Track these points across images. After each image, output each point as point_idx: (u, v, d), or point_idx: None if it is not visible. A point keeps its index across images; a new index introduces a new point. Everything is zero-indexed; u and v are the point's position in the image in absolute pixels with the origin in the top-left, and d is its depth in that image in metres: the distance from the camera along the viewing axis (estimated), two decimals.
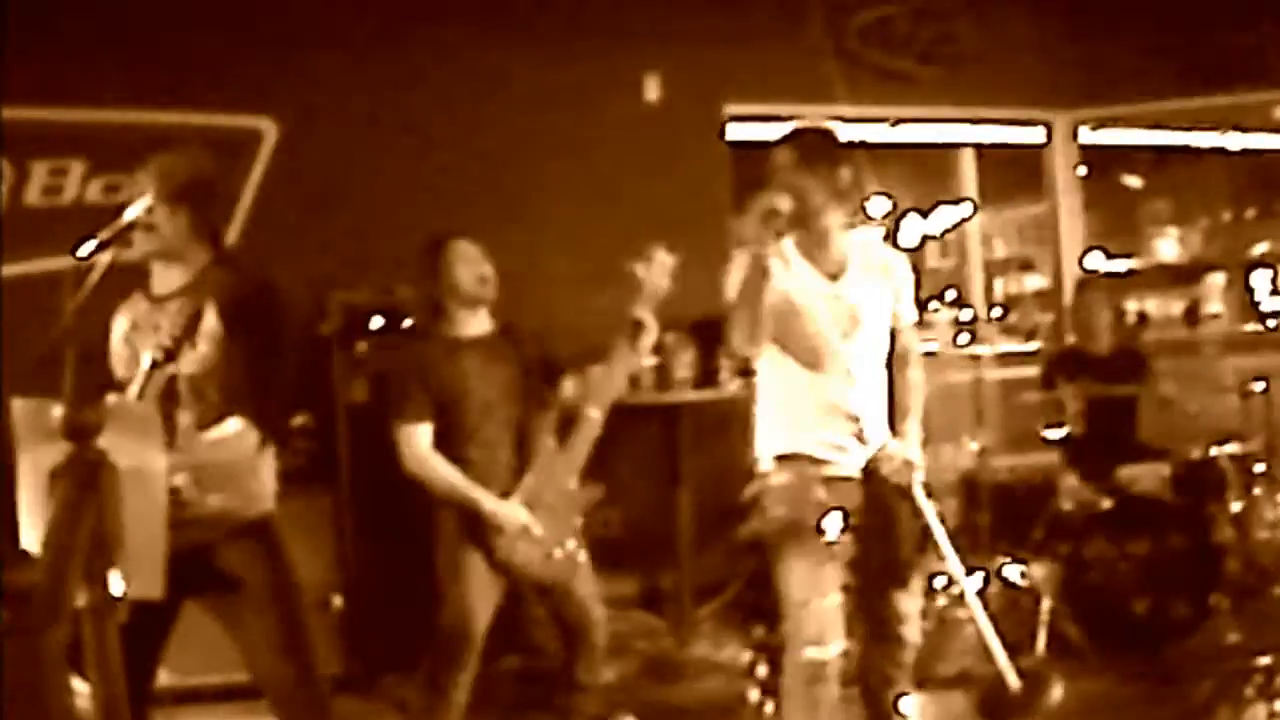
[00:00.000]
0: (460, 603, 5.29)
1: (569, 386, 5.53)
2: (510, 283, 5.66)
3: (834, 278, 4.74)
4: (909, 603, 4.88)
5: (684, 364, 7.77)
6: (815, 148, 4.74)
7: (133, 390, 4.08)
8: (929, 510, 4.77)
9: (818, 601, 4.56)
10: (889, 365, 4.90)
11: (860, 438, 4.73)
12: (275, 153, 7.44)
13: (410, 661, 6.40)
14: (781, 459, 4.76)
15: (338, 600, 6.76)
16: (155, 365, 4.09)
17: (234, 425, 4.21)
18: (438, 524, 5.45)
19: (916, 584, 4.99)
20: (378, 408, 6.68)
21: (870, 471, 4.76)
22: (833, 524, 4.57)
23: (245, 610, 4.39)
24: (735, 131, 8.72)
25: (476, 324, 5.53)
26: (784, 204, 4.36)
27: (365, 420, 6.69)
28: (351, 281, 7.01)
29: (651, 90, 8.32)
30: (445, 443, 5.37)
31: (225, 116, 7.27)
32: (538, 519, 5.29)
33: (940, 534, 4.81)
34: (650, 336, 5.44)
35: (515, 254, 6.14)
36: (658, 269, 5.40)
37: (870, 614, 4.86)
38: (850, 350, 4.68)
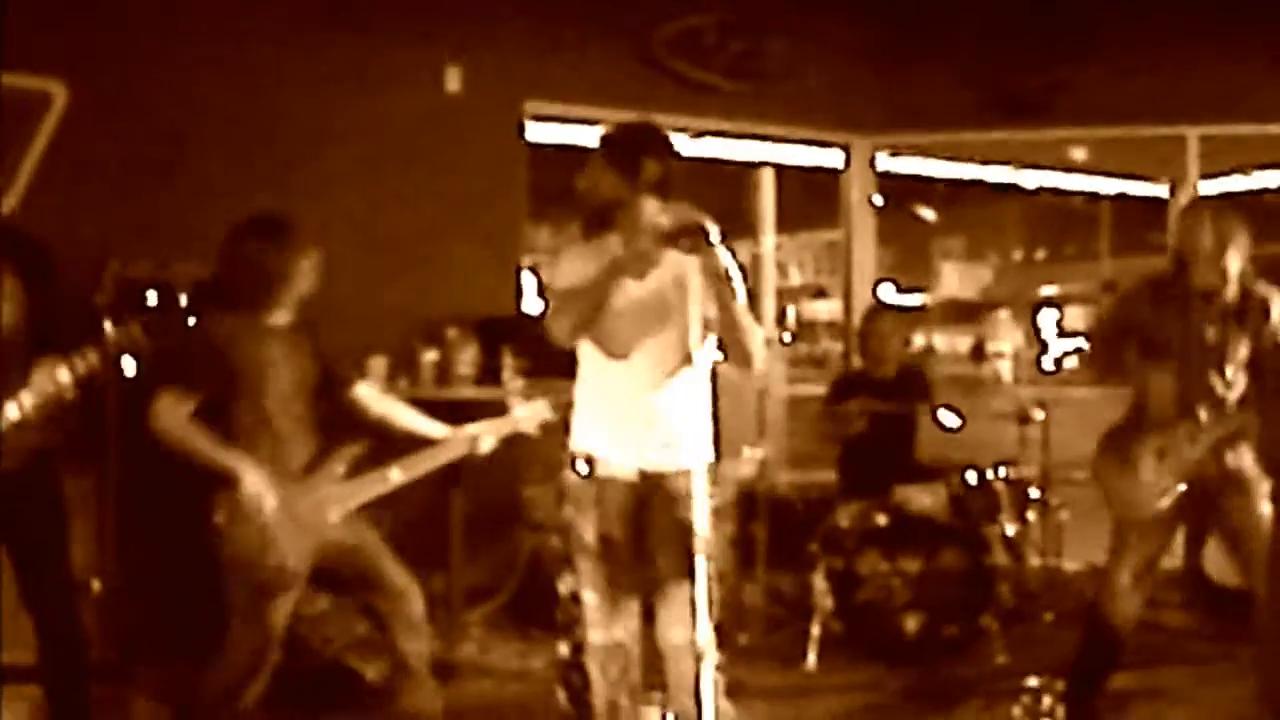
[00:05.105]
0: None
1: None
2: None
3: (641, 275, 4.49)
4: (676, 631, 4.49)
5: (466, 361, 7.64)
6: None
7: None
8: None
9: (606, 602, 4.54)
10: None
11: (666, 441, 4.52)
12: (63, 117, 7.16)
13: (169, 649, 6.24)
14: (583, 457, 4.58)
15: (96, 584, 6.50)
16: None
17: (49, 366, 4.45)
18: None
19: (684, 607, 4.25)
20: (150, 385, 6.48)
21: (657, 479, 4.56)
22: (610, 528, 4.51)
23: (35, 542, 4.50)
24: (535, 132, 8.67)
25: (282, 314, 5.18)
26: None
27: (135, 397, 6.44)
28: (130, 253, 6.74)
29: (453, 81, 8.20)
30: (237, 428, 5.03)
31: (13, 77, 6.98)
32: (280, 523, 4.92)
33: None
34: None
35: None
36: None
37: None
38: (656, 345, 4.51)
